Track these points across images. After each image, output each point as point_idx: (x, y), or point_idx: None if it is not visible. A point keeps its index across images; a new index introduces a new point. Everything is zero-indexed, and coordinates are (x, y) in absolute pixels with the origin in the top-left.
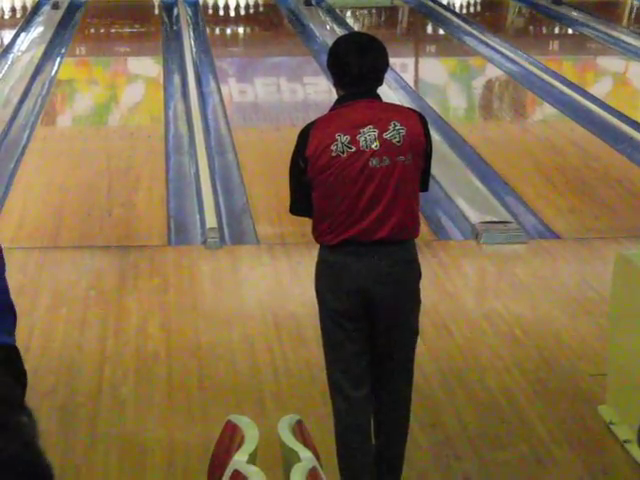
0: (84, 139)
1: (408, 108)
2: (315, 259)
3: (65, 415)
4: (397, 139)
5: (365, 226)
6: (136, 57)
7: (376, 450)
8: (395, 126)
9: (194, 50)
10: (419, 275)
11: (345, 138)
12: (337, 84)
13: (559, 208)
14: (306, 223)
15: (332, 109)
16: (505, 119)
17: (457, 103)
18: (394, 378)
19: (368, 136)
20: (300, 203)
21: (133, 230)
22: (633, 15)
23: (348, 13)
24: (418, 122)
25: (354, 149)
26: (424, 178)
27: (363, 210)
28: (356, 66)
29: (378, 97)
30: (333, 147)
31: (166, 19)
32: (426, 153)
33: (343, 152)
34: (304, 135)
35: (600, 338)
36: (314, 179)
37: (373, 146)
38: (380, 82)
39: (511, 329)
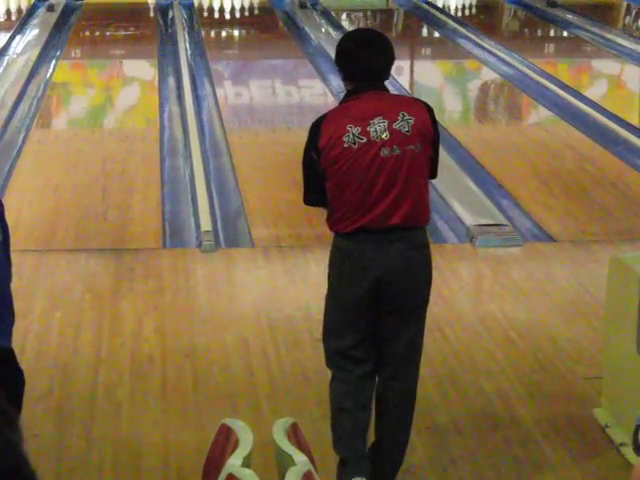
0: (79, 142)
1: (415, 98)
2: (309, 262)
3: (60, 418)
4: (406, 129)
5: (378, 213)
6: (131, 60)
7: (377, 445)
8: (404, 116)
9: (189, 53)
10: (430, 261)
11: (356, 129)
12: (346, 78)
13: (554, 211)
14: (301, 226)
15: (342, 102)
16: (500, 122)
17: (452, 106)
18: (402, 367)
19: (378, 127)
20: (314, 194)
21: (128, 233)
22: (628, 17)
23: (343, 16)
24: (425, 112)
25: (365, 140)
26: (433, 166)
27: (376, 198)
28: (364, 59)
29: (386, 89)
30: (345, 138)
31: (161, 22)
32: (434, 141)
33: (355, 143)
34: (316, 128)
35: (595, 341)
36: (327, 170)
37: (383, 136)
38: (387, 75)
39: (506, 332)
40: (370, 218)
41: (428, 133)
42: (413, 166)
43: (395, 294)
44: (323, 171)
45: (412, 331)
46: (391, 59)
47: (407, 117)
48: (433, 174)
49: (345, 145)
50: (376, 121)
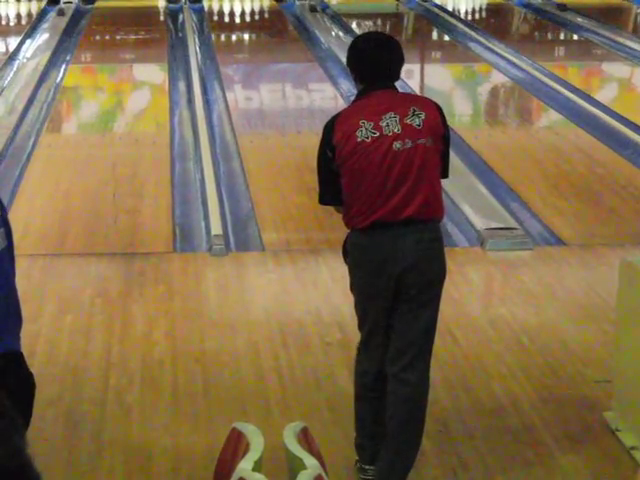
0: (89, 146)
1: (425, 97)
2: (319, 266)
3: (70, 422)
4: (417, 122)
5: (392, 206)
6: (141, 64)
7: (387, 444)
8: (414, 111)
9: (199, 57)
10: (444, 254)
11: (369, 124)
12: (357, 79)
13: (564, 214)
14: (311, 230)
15: (354, 101)
16: (510, 125)
17: (462, 109)
18: (414, 357)
19: (390, 121)
20: (329, 193)
21: (138, 237)
22: (638, 21)
23: (353, 19)
24: (435, 109)
25: (378, 134)
26: (444, 165)
27: (390, 191)
28: (375, 60)
29: (395, 88)
30: (358, 133)
31: (171, 26)
32: (444, 137)
33: (368, 137)
34: (330, 126)
35: (606, 344)
36: (342, 165)
37: (395, 130)
38: (397, 76)
39: (516, 335)
40: (384, 211)
41: (438, 129)
42: (425, 159)
43: (410, 285)
44: (338, 168)
45: (426, 322)
46: (401, 60)
47: (418, 112)
48: (445, 173)
49: (358, 139)
50: (388, 116)
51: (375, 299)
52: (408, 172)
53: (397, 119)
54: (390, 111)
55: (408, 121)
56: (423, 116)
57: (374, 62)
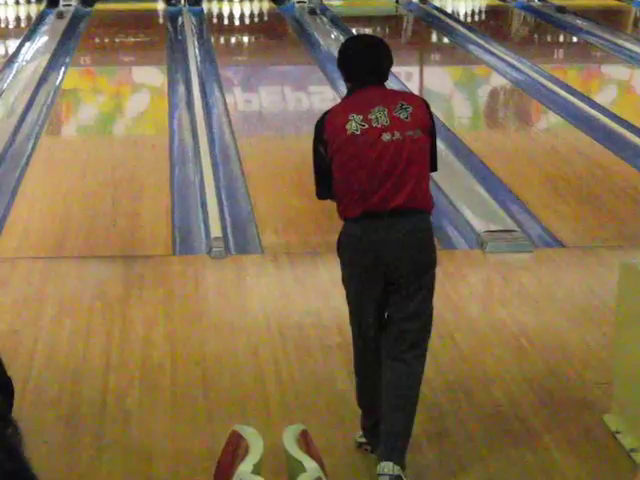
0: (89, 149)
1: (411, 93)
2: (319, 268)
3: (70, 425)
4: (405, 115)
5: (381, 195)
6: (141, 66)
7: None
8: (402, 105)
9: (199, 59)
10: (434, 243)
11: (358, 117)
12: (347, 79)
13: (564, 216)
14: (310, 232)
15: (344, 98)
16: (510, 128)
17: (462, 112)
18: (412, 345)
19: (379, 114)
20: (325, 187)
21: (138, 240)
22: (638, 22)
23: (353, 22)
24: (422, 103)
25: (367, 126)
26: (432, 158)
27: (379, 181)
28: (365, 60)
29: (384, 86)
30: (348, 126)
31: (171, 28)
32: (431, 130)
33: (357, 130)
34: (320, 122)
35: (606, 347)
36: (333, 158)
37: (384, 122)
38: (386, 76)
39: (516, 338)
40: (374, 201)
41: (425, 121)
42: (413, 150)
43: (400, 275)
44: (330, 161)
45: (416, 307)
46: (390, 61)
47: (405, 105)
48: (433, 166)
49: (348, 132)
50: (377, 109)
51: (366, 289)
52: (397, 163)
53: (386, 112)
54: (379, 105)
55: (396, 114)
56: (411, 109)
57: (363, 62)
